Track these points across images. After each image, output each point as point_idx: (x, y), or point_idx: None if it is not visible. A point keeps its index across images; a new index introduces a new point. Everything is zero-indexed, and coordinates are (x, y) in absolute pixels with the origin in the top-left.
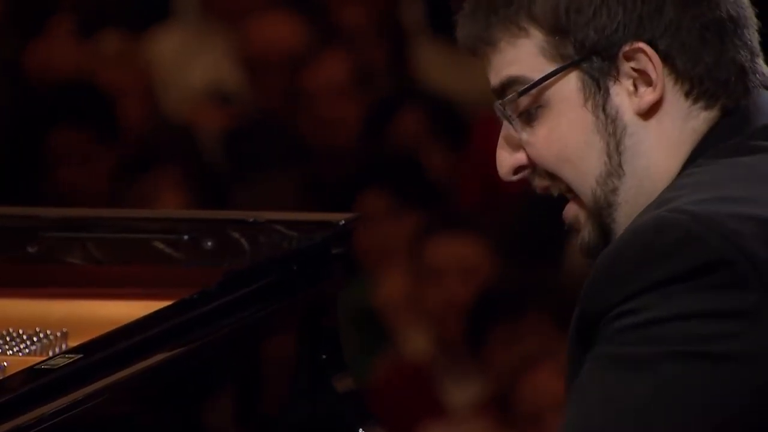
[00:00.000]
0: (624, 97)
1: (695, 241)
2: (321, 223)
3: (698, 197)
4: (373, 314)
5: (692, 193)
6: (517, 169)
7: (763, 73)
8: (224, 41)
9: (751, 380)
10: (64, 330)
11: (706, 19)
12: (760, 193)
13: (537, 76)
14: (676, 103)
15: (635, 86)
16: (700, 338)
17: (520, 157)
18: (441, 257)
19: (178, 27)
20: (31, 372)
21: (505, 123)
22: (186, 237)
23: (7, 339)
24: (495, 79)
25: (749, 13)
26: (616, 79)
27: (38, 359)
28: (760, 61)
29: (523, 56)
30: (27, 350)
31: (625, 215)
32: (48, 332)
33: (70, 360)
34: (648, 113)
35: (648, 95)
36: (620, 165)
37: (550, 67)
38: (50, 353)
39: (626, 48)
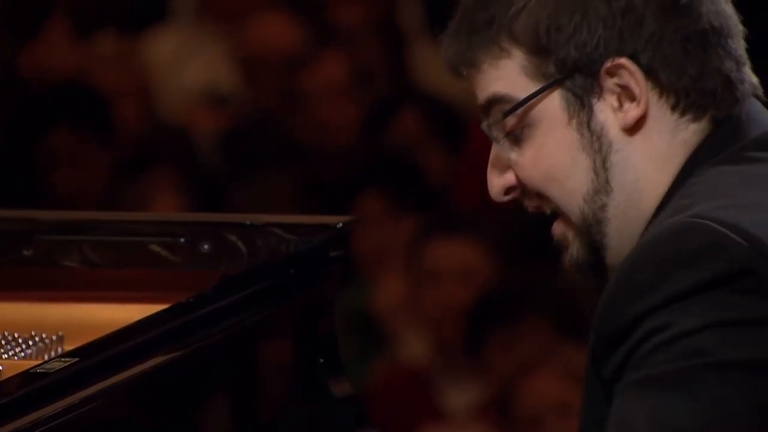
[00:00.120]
0: (609, 114)
1: (719, 249)
2: (318, 226)
3: (717, 204)
4: (371, 318)
5: (709, 200)
6: (508, 190)
7: (751, 82)
8: (221, 42)
9: None
10: (60, 334)
11: (688, 30)
12: None
13: (521, 95)
14: (662, 116)
15: (619, 102)
16: (734, 347)
17: (510, 178)
18: (439, 260)
19: (174, 28)
20: (27, 376)
21: (494, 144)
22: (183, 240)
23: (3, 343)
24: (481, 97)
25: (733, 23)
26: (600, 95)
27: (34, 363)
28: (747, 69)
29: (506, 75)
30: (23, 354)
31: (615, 230)
32: (44, 336)
33: (66, 364)
34: (634, 128)
35: (632, 110)
36: (607, 181)
37: (533, 87)
38: (46, 357)
39: (608, 64)
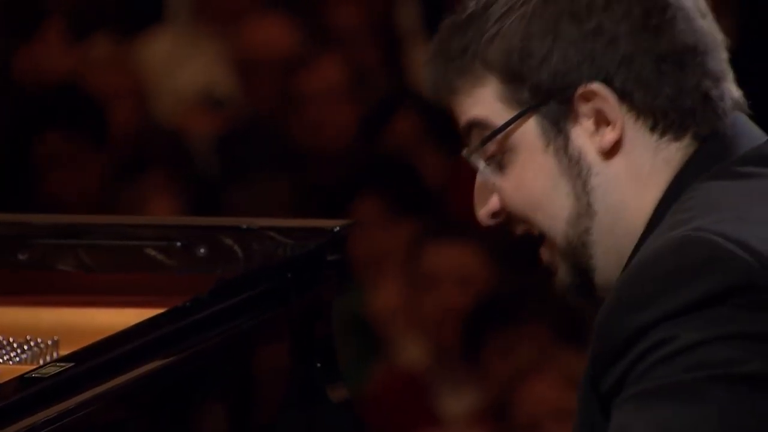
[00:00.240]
0: (585, 138)
1: (723, 261)
2: (315, 230)
3: (716, 218)
4: (369, 322)
5: (708, 214)
6: (494, 214)
7: (733, 97)
8: (217, 44)
9: None
10: (55, 338)
11: (662, 50)
12: (766, 214)
13: (499, 122)
14: (641, 138)
15: (596, 125)
16: (737, 361)
17: (495, 203)
18: (437, 264)
19: (170, 30)
20: (22, 381)
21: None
22: (178, 244)
23: None
24: (461, 122)
25: (710, 39)
26: (576, 120)
27: (29, 368)
28: (729, 84)
29: (484, 101)
30: (17, 359)
31: (602, 250)
32: (39, 340)
33: (61, 368)
34: (611, 151)
35: (608, 134)
36: (589, 204)
37: (510, 113)
38: (41, 362)
39: (581, 90)
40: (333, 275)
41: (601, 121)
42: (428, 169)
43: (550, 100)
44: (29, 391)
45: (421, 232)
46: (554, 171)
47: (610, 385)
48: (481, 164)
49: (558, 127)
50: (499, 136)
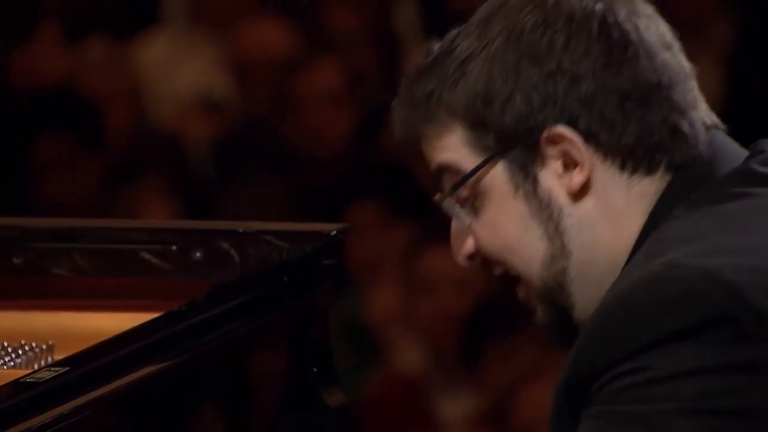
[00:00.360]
0: (554, 181)
1: (696, 296)
2: (311, 234)
3: (691, 249)
4: (365, 327)
5: (683, 246)
6: (470, 257)
7: (704, 121)
8: (213, 47)
9: None
10: (50, 343)
11: (625, 88)
12: (749, 240)
13: (468, 167)
14: (611, 177)
15: (564, 167)
16: (708, 395)
17: (471, 245)
18: (435, 269)
19: (165, 33)
20: (17, 385)
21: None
22: (174, 248)
23: None
24: (432, 166)
25: (674, 72)
26: (543, 163)
27: (24, 372)
28: (699, 112)
29: (452, 146)
30: (12, 363)
31: (579, 289)
32: (33, 345)
33: (56, 373)
34: (581, 192)
35: (577, 176)
36: (564, 246)
37: (477, 159)
38: (36, 366)
39: (546, 133)
40: (329, 279)
41: (569, 163)
42: (426, 173)
43: (516, 144)
44: (24, 396)
45: (418, 236)
46: (525, 215)
47: (585, 406)
48: (455, 208)
49: (526, 172)
50: (469, 182)
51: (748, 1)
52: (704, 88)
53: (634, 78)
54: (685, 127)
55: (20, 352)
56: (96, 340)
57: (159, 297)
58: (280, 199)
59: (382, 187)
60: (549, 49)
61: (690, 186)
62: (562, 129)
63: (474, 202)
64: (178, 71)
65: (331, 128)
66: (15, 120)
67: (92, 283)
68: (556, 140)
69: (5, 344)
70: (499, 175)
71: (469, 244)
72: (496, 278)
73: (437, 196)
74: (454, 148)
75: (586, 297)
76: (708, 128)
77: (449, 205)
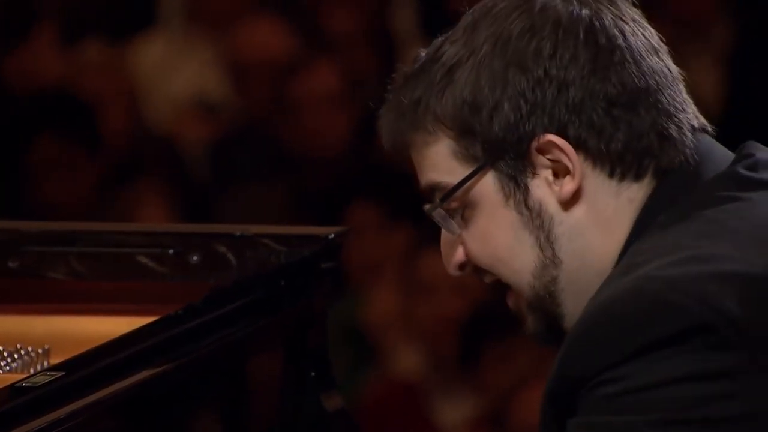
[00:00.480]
0: (545, 189)
1: (670, 307)
2: (309, 237)
3: (665, 261)
4: (364, 331)
5: (659, 257)
6: (461, 266)
7: (692, 125)
8: (210, 49)
9: None
10: (46, 347)
11: (612, 94)
12: (726, 247)
13: (456, 179)
14: (601, 184)
15: (555, 176)
16: (686, 404)
17: (461, 255)
18: (433, 272)
19: (162, 34)
20: (12, 390)
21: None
22: (171, 251)
23: None
24: (421, 180)
25: (662, 76)
26: (534, 173)
27: (19, 377)
28: (687, 115)
29: (439, 160)
30: (7, 368)
31: (570, 297)
32: (29, 349)
33: (52, 378)
34: (572, 200)
35: (567, 184)
36: (555, 254)
37: (465, 171)
38: (32, 371)
39: (536, 143)
40: (327, 283)
41: (560, 171)
42: None
43: (505, 154)
44: (19, 401)
45: (417, 239)
46: (516, 224)
47: (569, 415)
48: (445, 219)
49: (516, 182)
50: (457, 193)
51: (747, 2)
52: (704, 89)
53: (621, 83)
54: (672, 131)
55: (16, 356)
56: (92, 345)
57: (156, 301)
58: (278, 202)
59: (380, 190)
60: (536, 56)
61: (676, 191)
62: (553, 137)
63: (464, 213)
64: (176, 73)
65: (329, 130)
66: (11, 122)
67: (88, 286)
68: (546, 149)
69: (1, 348)
70: (488, 185)
71: (459, 254)
72: (489, 285)
73: (427, 207)
74: (441, 164)
75: (576, 305)
76: (695, 131)
77: (439, 215)
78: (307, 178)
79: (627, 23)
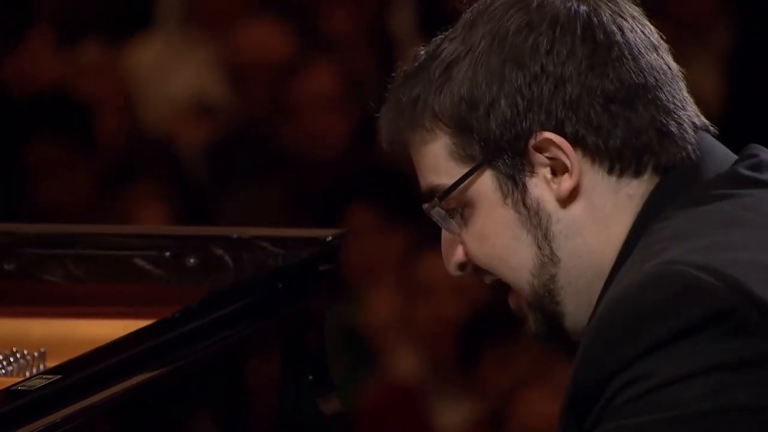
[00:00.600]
0: (543, 187)
1: (698, 292)
2: (307, 240)
3: (688, 247)
4: (362, 334)
5: (678, 244)
6: (461, 266)
7: (693, 122)
8: (207, 50)
9: None
10: (42, 350)
11: (609, 90)
12: (745, 237)
13: (454, 177)
14: (599, 181)
15: (553, 174)
16: (719, 393)
17: (461, 255)
18: (432, 274)
19: (159, 35)
20: (8, 393)
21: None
22: (168, 254)
23: None
24: (421, 181)
25: (661, 73)
26: (532, 171)
27: (15, 380)
28: (687, 113)
29: (437, 162)
30: (3, 371)
31: (570, 295)
32: (25, 352)
33: (48, 381)
34: (570, 197)
35: (566, 182)
36: (553, 252)
37: (462, 171)
38: (27, 374)
39: (533, 141)
40: (325, 286)
41: (558, 169)
42: None
43: (503, 153)
44: (15, 404)
45: (415, 242)
46: (514, 223)
47: (592, 420)
48: (443, 218)
49: (514, 180)
50: (454, 193)
51: (747, 4)
52: (704, 90)
53: (619, 79)
54: (672, 127)
55: (12, 359)
56: (89, 348)
57: (152, 304)
58: (276, 204)
59: (379, 191)
60: (533, 52)
61: (677, 188)
62: (550, 135)
63: (463, 212)
64: (173, 74)
65: (327, 131)
66: (8, 124)
67: (85, 289)
68: (544, 146)
69: None
70: (486, 184)
71: (459, 254)
72: (489, 286)
73: (426, 206)
74: (438, 166)
75: (575, 304)
76: (696, 129)
77: (438, 214)
78: (305, 179)
79: (626, 20)
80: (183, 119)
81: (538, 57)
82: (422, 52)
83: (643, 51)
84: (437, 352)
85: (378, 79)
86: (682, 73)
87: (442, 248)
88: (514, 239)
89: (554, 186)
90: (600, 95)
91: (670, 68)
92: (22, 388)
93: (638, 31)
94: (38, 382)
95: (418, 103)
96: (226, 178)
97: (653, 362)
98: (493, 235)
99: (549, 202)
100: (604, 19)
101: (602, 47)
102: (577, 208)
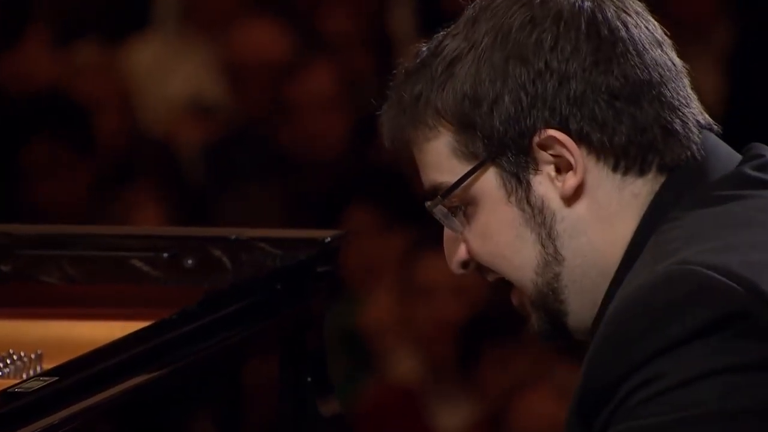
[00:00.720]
0: (547, 185)
1: (710, 293)
2: (306, 241)
3: (700, 248)
4: (361, 335)
5: (691, 245)
6: (464, 264)
7: (697, 120)
8: (205, 50)
9: None
10: (39, 352)
11: (614, 87)
12: (756, 238)
13: (457, 175)
14: (604, 178)
15: (557, 171)
16: (731, 394)
17: (464, 253)
18: (431, 275)
19: (157, 35)
20: (4, 396)
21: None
22: (166, 255)
23: None
24: (423, 179)
25: (666, 69)
26: (536, 168)
27: (12, 382)
28: (691, 110)
29: (440, 160)
30: (0, 373)
31: (574, 294)
32: (22, 354)
33: (45, 383)
34: (575, 196)
35: (570, 180)
36: (557, 251)
37: (465, 168)
38: (24, 376)
39: (537, 138)
40: (324, 287)
41: (562, 166)
42: (421, 178)
43: (507, 150)
44: (12, 407)
45: (414, 243)
46: (518, 221)
47: (602, 423)
48: (446, 216)
49: (518, 178)
50: (457, 190)
51: (747, 4)
52: (704, 90)
53: (623, 75)
54: (677, 125)
55: (8, 361)
56: (86, 349)
57: (150, 305)
58: (275, 204)
59: (377, 193)
60: (537, 48)
61: (683, 188)
62: (554, 132)
63: (465, 210)
64: (170, 74)
65: (326, 132)
66: (5, 124)
67: (82, 290)
68: (548, 144)
69: None
70: (490, 181)
71: (461, 252)
72: (491, 285)
73: (428, 204)
74: (441, 164)
75: (579, 303)
76: (701, 128)
77: (440, 212)
78: (304, 180)
79: (630, 15)
80: (181, 119)
81: (542, 53)
82: (424, 49)
83: (647, 47)
84: (437, 353)
85: (377, 79)
86: (686, 69)
87: (445, 246)
88: (518, 237)
89: (558, 184)
90: (605, 91)
91: (674, 64)
92: (19, 390)
93: (642, 26)
94: (35, 384)
95: (420, 100)
96: (224, 179)
97: (665, 364)
98: (496, 233)
99: (553, 200)
100: (609, 14)
101: (607, 43)
102: (581, 206)
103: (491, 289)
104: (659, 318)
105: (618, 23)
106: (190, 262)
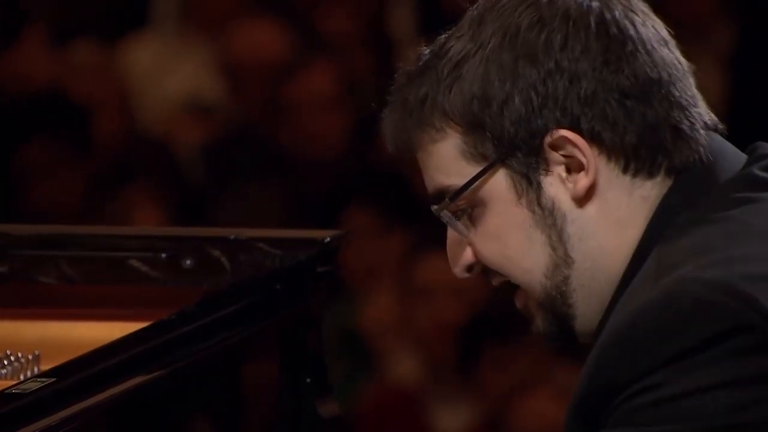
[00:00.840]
0: (558, 186)
1: (709, 309)
2: (305, 241)
3: (702, 262)
4: (360, 336)
5: (692, 259)
6: (469, 267)
7: (704, 121)
8: (204, 50)
9: None
10: (36, 353)
11: (625, 85)
12: (757, 249)
13: (465, 179)
14: (615, 179)
15: (568, 172)
16: (727, 410)
17: (469, 256)
18: (431, 276)
19: (155, 35)
20: (2, 397)
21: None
22: (164, 255)
23: None
24: (428, 184)
25: (674, 68)
26: (547, 170)
27: (9, 383)
28: (699, 110)
29: (447, 162)
30: None
31: (582, 298)
32: (19, 355)
33: (43, 384)
34: (586, 197)
35: (581, 180)
36: (567, 254)
37: (473, 170)
38: (22, 377)
39: (548, 138)
40: (323, 287)
41: (573, 167)
42: (422, 179)
43: (517, 151)
44: (9, 408)
45: (414, 243)
46: (528, 223)
47: (602, 425)
48: (452, 219)
49: (528, 179)
50: (466, 193)
51: (747, 3)
52: (704, 90)
53: (634, 74)
54: (685, 126)
55: (5, 362)
56: (84, 350)
57: (149, 305)
58: (274, 205)
59: (377, 193)
60: (546, 48)
61: (692, 191)
62: (566, 132)
63: (472, 212)
64: (169, 74)
65: (326, 132)
66: (2, 124)
67: (80, 291)
68: (560, 144)
69: None
70: (500, 183)
71: (467, 255)
72: (493, 287)
73: (434, 207)
74: (448, 167)
75: (586, 306)
76: (708, 129)
77: (447, 215)
78: (303, 180)
79: (636, 14)
80: (180, 119)
81: (552, 53)
82: (426, 52)
83: (655, 46)
84: (436, 353)
85: (377, 80)
86: (692, 67)
87: (449, 250)
88: (528, 240)
89: (570, 185)
90: (616, 90)
91: (681, 63)
92: (16, 391)
93: (649, 25)
94: (33, 385)
95: (426, 102)
96: (223, 179)
97: (667, 374)
98: (505, 236)
99: (564, 201)
100: (617, 14)
101: (616, 42)
102: (592, 207)
103: (492, 290)
104: (666, 331)
105: (626, 22)
106: (188, 262)
